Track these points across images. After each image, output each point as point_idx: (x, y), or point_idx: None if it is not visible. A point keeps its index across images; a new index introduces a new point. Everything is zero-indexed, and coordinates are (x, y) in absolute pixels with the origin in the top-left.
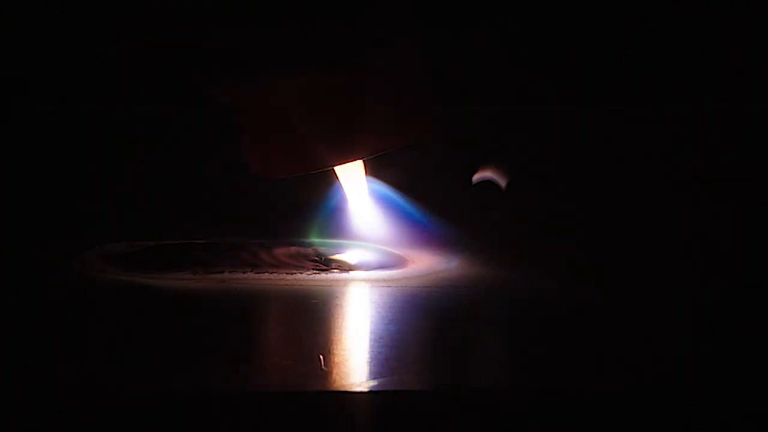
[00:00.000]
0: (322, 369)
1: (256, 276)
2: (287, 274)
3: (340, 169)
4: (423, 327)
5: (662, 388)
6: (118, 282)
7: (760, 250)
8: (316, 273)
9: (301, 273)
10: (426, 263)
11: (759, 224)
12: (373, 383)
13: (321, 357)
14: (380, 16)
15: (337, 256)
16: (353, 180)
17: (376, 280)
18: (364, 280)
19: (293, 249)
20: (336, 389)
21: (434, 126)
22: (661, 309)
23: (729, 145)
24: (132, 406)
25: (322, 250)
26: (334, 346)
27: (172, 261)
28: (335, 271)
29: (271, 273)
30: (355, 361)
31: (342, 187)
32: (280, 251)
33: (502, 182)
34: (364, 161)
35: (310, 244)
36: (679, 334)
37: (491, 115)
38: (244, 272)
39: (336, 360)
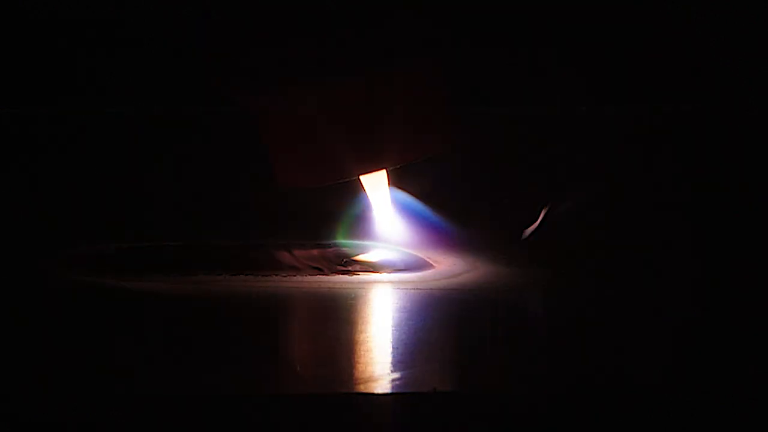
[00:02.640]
0: (297, 371)
1: (230, 278)
2: (263, 276)
3: (364, 178)
4: (435, 328)
5: (668, 393)
6: (88, 284)
7: (760, 255)
8: (292, 276)
9: (276, 275)
10: (445, 267)
11: (759, 228)
12: (377, 384)
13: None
14: (405, 28)
15: (359, 257)
16: (377, 188)
17: (355, 283)
18: (335, 283)
19: (272, 251)
20: (332, 392)
21: (459, 136)
22: (665, 314)
23: (730, 149)
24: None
25: (342, 251)
26: (329, 348)
27: (145, 263)
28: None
29: (246, 275)
30: (345, 364)
31: (366, 195)
32: (257, 253)
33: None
34: (387, 170)
35: (290, 247)
36: (681, 339)
37: (502, 117)
38: (219, 275)
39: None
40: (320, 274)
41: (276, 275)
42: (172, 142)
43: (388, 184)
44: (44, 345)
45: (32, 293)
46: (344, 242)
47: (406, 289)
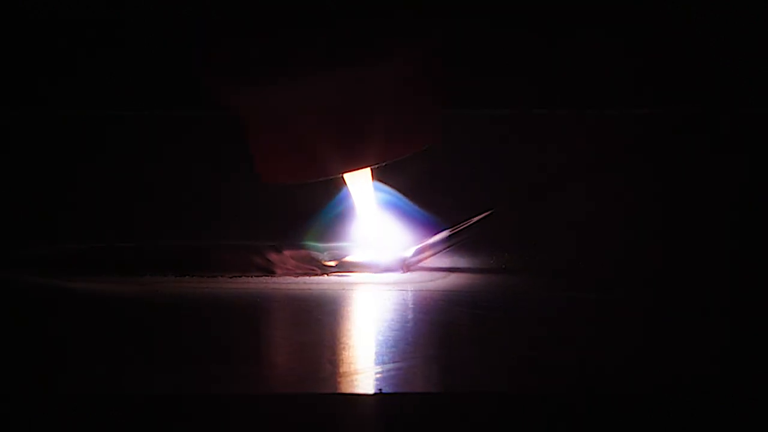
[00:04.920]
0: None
1: (179, 279)
2: (208, 277)
3: (348, 176)
4: (416, 329)
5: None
6: (37, 285)
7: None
8: (236, 277)
9: (222, 276)
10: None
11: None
12: (355, 384)
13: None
14: (388, 24)
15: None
16: (360, 185)
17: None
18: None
19: (223, 251)
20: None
21: (442, 133)
22: (669, 314)
23: (734, 149)
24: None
25: (316, 254)
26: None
27: (94, 264)
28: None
29: (193, 276)
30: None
31: (350, 193)
32: (207, 254)
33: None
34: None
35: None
36: (678, 340)
37: (494, 118)
38: (164, 275)
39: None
40: (270, 276)
41: (227, 277)
42: (142, 142)
43: (372, 179)
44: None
45: None
46: (316, 244)
47: (387, 290)
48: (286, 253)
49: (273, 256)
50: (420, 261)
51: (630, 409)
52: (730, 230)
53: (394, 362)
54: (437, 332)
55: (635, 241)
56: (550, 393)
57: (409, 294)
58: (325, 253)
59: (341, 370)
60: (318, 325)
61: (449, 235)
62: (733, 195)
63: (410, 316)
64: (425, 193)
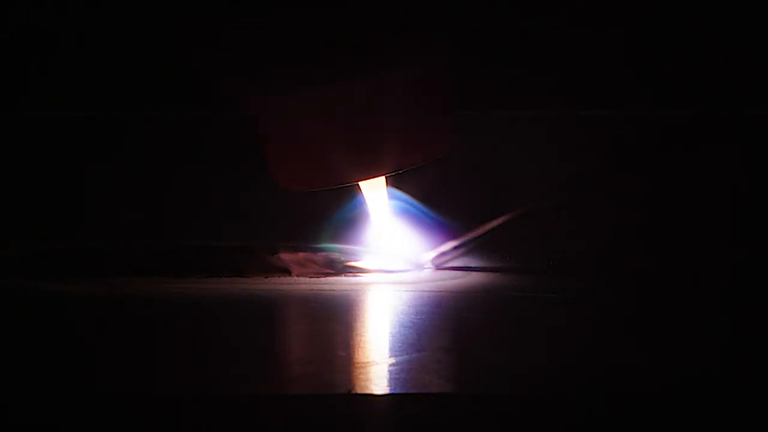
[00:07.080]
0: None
1: (147, 280)
2: (178, 279)
3: (363, 183)
4: (427, 329)
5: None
6: (12, 287)
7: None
8: (207, 277)
9: (193, 278)
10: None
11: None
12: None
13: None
14: (406, 30)
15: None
16: (375, 191)
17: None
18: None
19: (189, 254)
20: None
21: (459, 141)
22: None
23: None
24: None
25: (334, 255)
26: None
27: (65, 266)
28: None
29: (159, 277)
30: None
31: (364, 199)
32: (172, 256)
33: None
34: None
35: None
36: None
37: (510, 120)
38: (132, 276)
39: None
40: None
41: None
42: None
43: (386, 185)
44: None
45: None
46: (329, 245)
47: (399, 290)
48: (270, 254)
49: (249, 259)
50: (441, 262)
51: (632, 409)
52: (725, 233)
53: (393, 361)
54: (435, 333)
55: (637, 242)
56: (553, 393)
57: (408, 295)
58: (337, 255)
59: (340, 370)
60: (318, 326)
61: (467, 240)
62: (730, 196)
63: (411, 318)
64: (440, 199)
